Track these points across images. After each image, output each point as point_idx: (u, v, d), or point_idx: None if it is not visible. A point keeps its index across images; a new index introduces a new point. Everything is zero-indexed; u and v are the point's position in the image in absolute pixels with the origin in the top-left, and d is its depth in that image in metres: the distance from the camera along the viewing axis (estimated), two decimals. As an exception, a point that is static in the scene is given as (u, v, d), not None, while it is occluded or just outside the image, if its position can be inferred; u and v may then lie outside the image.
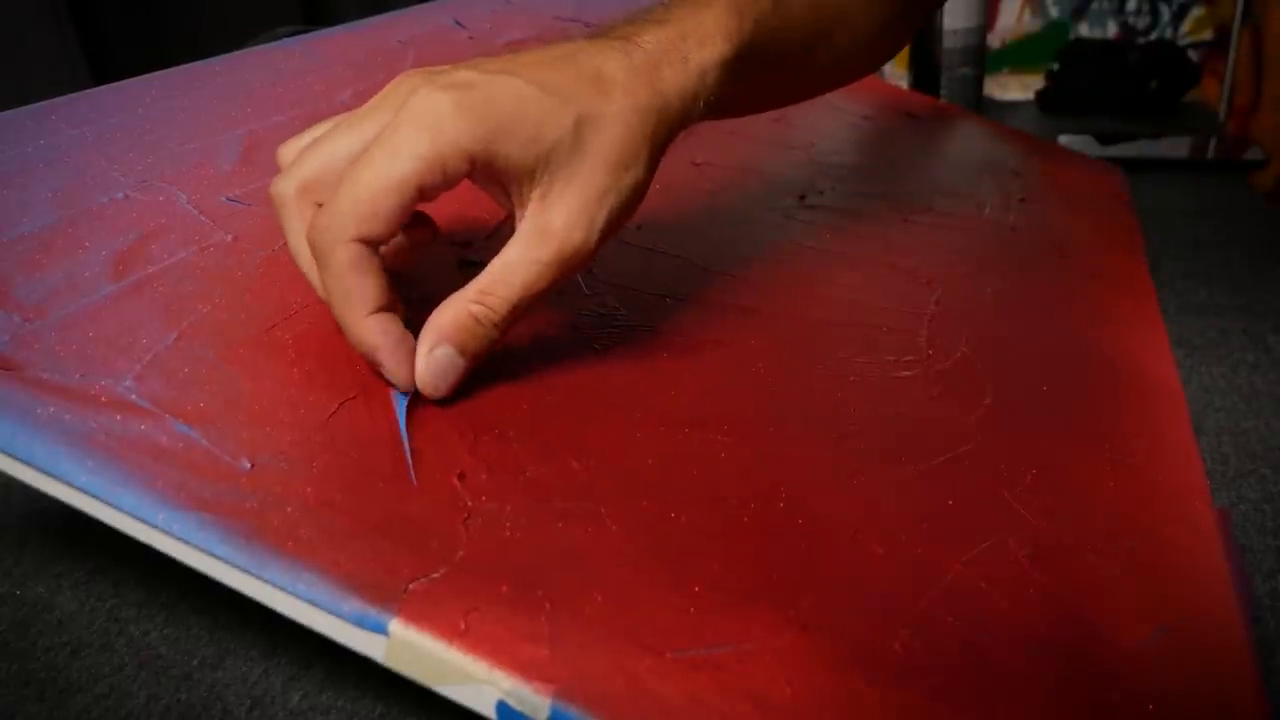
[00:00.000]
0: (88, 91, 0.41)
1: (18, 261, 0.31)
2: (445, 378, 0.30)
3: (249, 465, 0.27)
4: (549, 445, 0.31)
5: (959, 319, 0.44)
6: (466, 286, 0.31)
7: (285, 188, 0.31)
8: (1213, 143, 0.82)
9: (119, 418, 0.27)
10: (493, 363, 0.32)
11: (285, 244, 0.32)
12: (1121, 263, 0.55)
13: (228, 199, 0.37)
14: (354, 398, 0.30)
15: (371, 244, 0.29)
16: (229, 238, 0.35)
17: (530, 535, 0.27)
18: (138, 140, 0.38)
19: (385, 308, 0.30)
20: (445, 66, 0.31)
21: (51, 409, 0.26)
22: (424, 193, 0.29)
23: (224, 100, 0.43)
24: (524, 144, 0.29)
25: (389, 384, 0.30)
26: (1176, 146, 0.81)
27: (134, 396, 0.27)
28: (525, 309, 0.31)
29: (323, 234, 0.29)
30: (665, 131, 0.33)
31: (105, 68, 0.93)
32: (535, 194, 0.30)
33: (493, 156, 0.29)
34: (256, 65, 0.47)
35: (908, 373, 0.39)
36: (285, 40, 0.52)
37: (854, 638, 0.27)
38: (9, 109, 0.38)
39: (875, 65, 0.49)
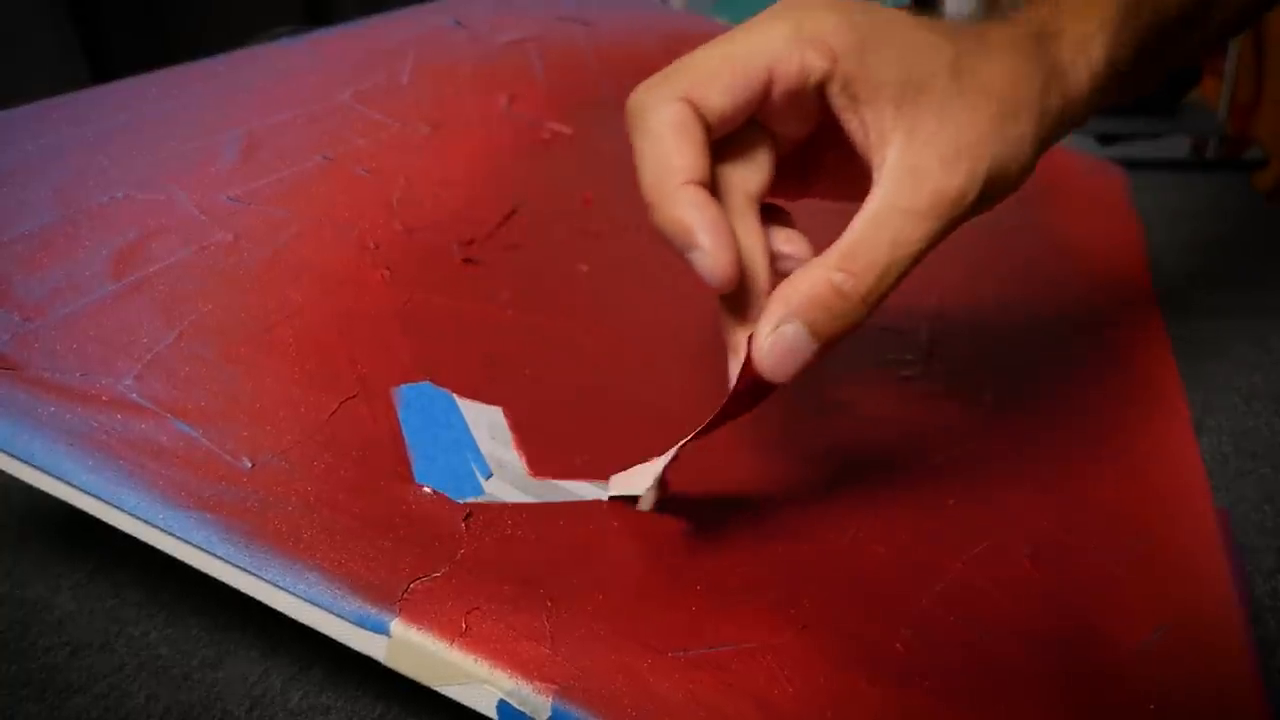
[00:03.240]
0: (88, 90, 0.41)
1: (18, 260, 0.31)
2: (792, 360, 0.25)
3: (250, 464, 0.27)
4: (551, 442, 0.31)
5: (959, 319, 0.44)
6: (826, 252, 0.26)
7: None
8: (1213, 143, 0.82)
9: (119, 417, 0.27)
10: (492, 360, 0.32)
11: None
12: (1121, 263, 0.55)
13: (228, 198, 0.37)
14: (354, 396, 0.30)
15: (701, 112, 0.25)
16: (229, 237, 0.35)
17: (531, 533, 0.27)
18: (138, 139, 0.38)
19: (704, 185, 0.25)
20: None
21: (52, 408, 0.26)
22: (774, 80, 0.25)
23: (225, 99, 0.43)
24: (895, 60, 0.25)
25: (701, 276, 0.25)
26: (1176, 146, 0.81)
27: (134, 396, 0.27)
28: (895, 279, 0.26)
29: (646, 93, 0.25)
30: (1052, 101, 0.28)
31: (105, 67, 0.93)
32: (900, 130, 0.26)
33: (859, 65, 0.25)
34: (257, 64, 0.47)
35: (908, 372, 0.39)
36: (285, 40, 0.52)
37: (854, 637, 0.27)
38: (9, 108, 0.38)
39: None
